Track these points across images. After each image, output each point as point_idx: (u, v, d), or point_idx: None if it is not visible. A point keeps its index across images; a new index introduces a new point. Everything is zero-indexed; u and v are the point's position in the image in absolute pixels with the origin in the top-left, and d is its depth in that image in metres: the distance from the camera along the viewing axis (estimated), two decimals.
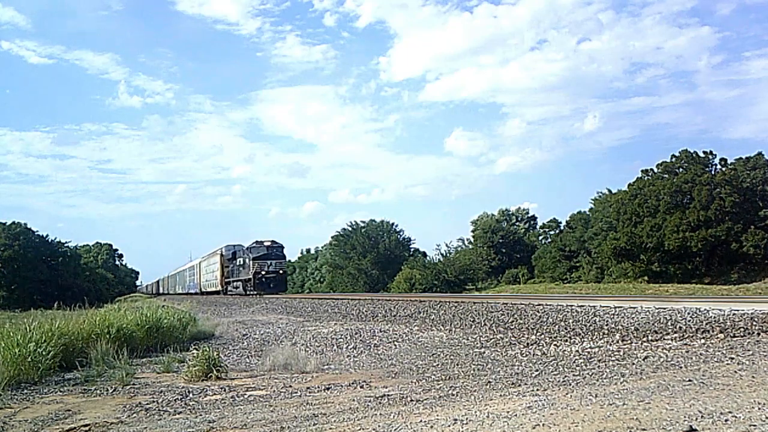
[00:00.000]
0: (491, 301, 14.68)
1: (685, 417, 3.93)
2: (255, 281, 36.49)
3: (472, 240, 66.05)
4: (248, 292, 37.65)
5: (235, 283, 41.45)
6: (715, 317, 8.78)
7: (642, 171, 49.63)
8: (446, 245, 62.68)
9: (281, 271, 38.13)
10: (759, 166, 44.03)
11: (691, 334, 8.14)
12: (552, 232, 62.59)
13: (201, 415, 5.84)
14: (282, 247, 39.17)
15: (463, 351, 9.17)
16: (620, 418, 4.04)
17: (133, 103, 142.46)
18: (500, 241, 62.06)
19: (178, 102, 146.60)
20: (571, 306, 11.84)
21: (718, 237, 40.71)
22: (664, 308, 10.05)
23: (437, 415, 4.73)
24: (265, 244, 37.81)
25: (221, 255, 46.23)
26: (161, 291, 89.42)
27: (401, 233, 64.97)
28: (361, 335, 11.86)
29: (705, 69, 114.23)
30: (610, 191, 54.59)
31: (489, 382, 6.40)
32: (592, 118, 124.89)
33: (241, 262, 39.76)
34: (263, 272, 36.55)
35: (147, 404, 6.58)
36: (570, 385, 5.71)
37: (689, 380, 5.19)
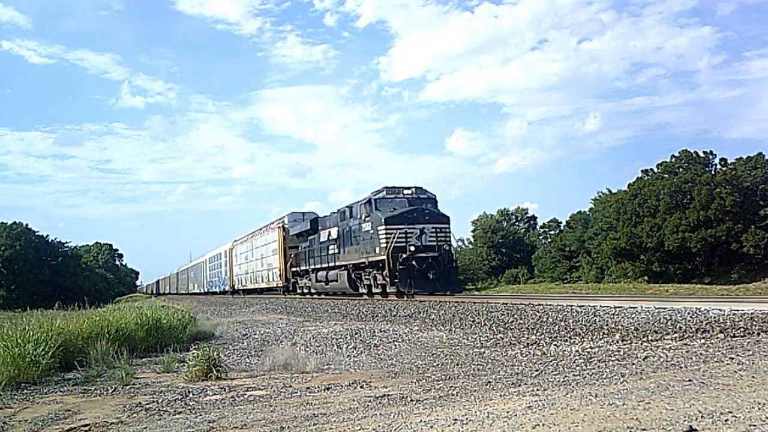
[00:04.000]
0: (491, 301, 14.68)
1: (685, 417, 3.93)
2: (397, 267, 18.12)
3: (472, 240, 66.11)
4: (370, 292, 20.76)
5: (323, 274, 24.35)
6: (715, 317, 8.78)
7: (642, 171, 49.73)
8: None
9: (447, 249, 19.08)
10: (759, 166, 44.04)
11: (691, 334, 8.14)
12: (552, 232, 62.63)
13: (201, 415, 5.84)
14: (436, 200, 20.37)
15: (463, 351, 9.17)
16: (620, 418, 4.04)
17: (135, 103, 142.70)
18: (500, 241, 62.10)
19: (179, 102, 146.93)
20: (571, 306, 11.83)
21: (718, 237, 40.72)
22: (664, 308, 10.04)
23: (437, 415, 4.73)
24: (405, 192, 19.79)
25: (282, 229, 30.47)
26: (168, 290, 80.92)
27: None
28: (361, 335, 11.86)
29: (706, 69, 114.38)
30: (610, 191, 54.67)
31: (489, 382, 6.40)
32: (592, 118, 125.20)
33: (342, 234, 22.38)
34: (414, 249, 18.31)
35: (147, 404, 6.58)
36: (570, 385, 5.71)
37: (689, 380, 5.19)
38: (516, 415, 4.42)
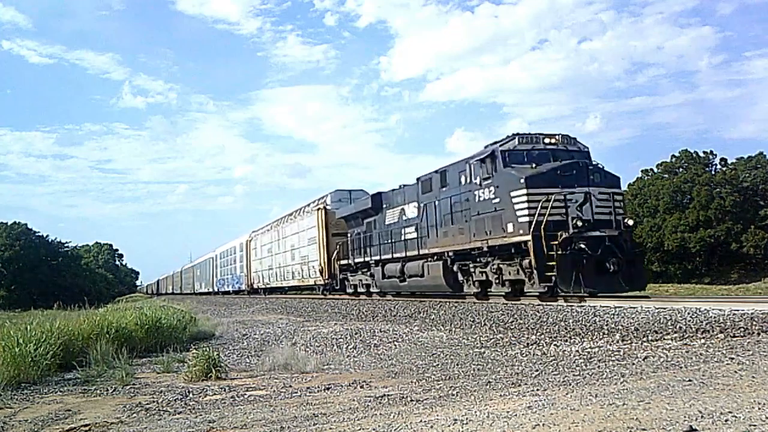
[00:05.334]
0: (491, 301, 14.68)
1: (685, 417, 3.93)
2: (549, 254, 12.08)
3: None
4: (483, 291, 15.08)
5: (394, 268, 18.42)
6: (715, 317, 8.77)
7: (642, 171, 49.75)
8: None
9: (629, 225, 13.33)
10: (759, 166, 44.05)
11: (691, 334, 8.13)
12: None
13: (201, 415, 5.84)
14: (590, 156, 14.14)
15: (463, 351, 9.17)
16: (620, 418, 4.04)
17: (136, 103, 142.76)
18: None
19: (180, 102, 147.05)
20: (571, 306, 11.83)
21: (718, 237, 40.74)
22: (664, 308, 10.04)
23: (437, 415, 4.73)
24: (546, 142, 13.73)
25: (324, 212, 24.20)
26: (171, 290, 77.69)
27: None
28: (361, 335, 11.86)
29: (706, 69, 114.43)
30: None
31: (489, 382, 6.40)
32: (592, 118, 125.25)
33: (429, 211, 16.42)
34: (582, 225, 12.39)
35: (147, 404, 6.58)
36: (570, 385, 5.71)
37: (689, 380, 5.19)
38: (516, 415, 4.42)
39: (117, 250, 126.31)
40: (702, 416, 3.93)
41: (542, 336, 9.73)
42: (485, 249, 14.04)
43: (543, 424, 4.04)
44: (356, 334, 12.06)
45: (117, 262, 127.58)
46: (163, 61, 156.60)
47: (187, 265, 68.57)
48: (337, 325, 14.30)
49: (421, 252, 17.00)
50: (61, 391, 7.86)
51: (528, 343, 9.26)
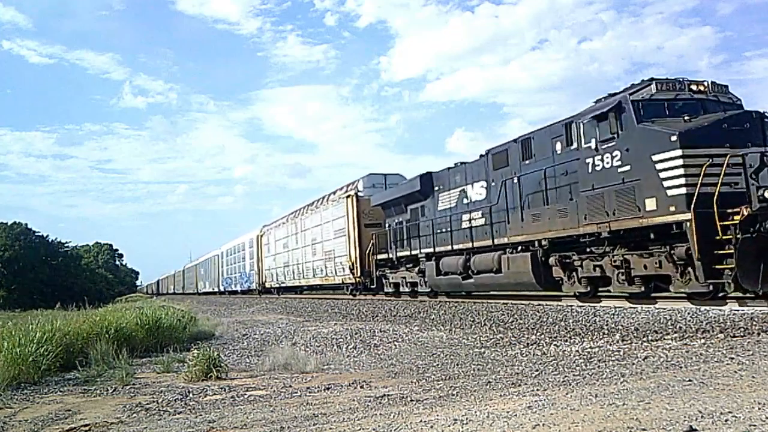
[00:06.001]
0: (491, 301, 14.68)
1: (685, 417, 3.93)
2: (721, 239, 8.90)
3: None
4: (593, 291, 12.17)
5: (455, 262, 15.61)
6: (715, 317, 8.78)
7: None
8: None
9: None
10: None
11: (691, 334, 8.14)
12: None
13: (201, 415, 5.84)
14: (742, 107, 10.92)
15: (463, 351, 9.17)
16: (620, 418, 4.05)
17: (137, 103, 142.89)
18: None
19: (180, 102, 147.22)
20: (571, 306, 11.84)
21: None
22: (664, 308, 10.05)
23: (437, 415, 4.73)
24: (694, 89, 10.56)
25: (356, 199, 21.48)
26: (173, 290, 76.84)
27: None
28: (361, 335, 11.87)
29: (706, 69, 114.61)
30: None
31: (489, 382, 6.40)
32: None
33: (505, 190, 13.70)
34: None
35: (147, 404, 6.59)
36: (570, 385, 5.71)
37: (689, 380, 5.19)
38: (516, 415, 4.42)
39: (117, 250, 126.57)
40: (702, 416, 3.93)
41: (542, 336, 9.74)
42: (605, 235, 10.97)
43: (543, 424, 4.04)
44: (356, 334, 12.06)
45: (117, 262, 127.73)
46: (163, 61, 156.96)
47: (189, 264, 66.29)
48: (337, 325, 14.31)
49: (497, 242, 13.94)
50: (61, 391, 7.86)
51: (528, 343, 9.26)
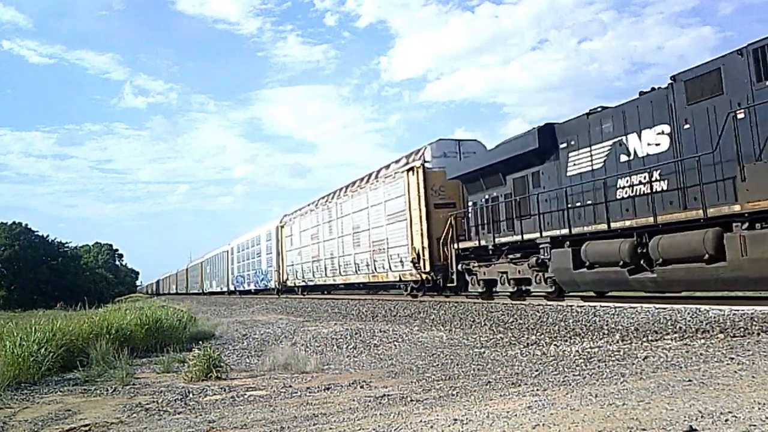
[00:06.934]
0: (491, 301, 14.68)
1: (685, 417, 3.93)
2: None
3: None
4: None
5: (617, 250, 10.63)
6: (715, 317, 8.78)
7: None
8: None
9: None
10: None
11: (691, 334, 8.14)
12: None
13: (201, 415, 5.84)
14: None
15: (463, 351, 9.17)
16: (620, 418, 4.05)
17: (137, 103, 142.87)
18: None
19: (180, 102, 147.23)
20: (571, 306, 11.84)
21: None
22: (664, 308, 10.05)
23: (437, 415, 4.73)
24: None
25: (423, 171, 16.62)
26: (175, 290, 74.27)
27: None
28: (361, 335, 11.87)
29: None
30: None
31: (489, 382, 6.40)
32: None
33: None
34: None
35: (147, 404, 6.59)
36: (570, 385, 5.71)
37: (689, 380, 5.19)
38: (516, 415, 4.42)
39: (117, 250, 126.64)
40: (702, 416, 3.93)
41: (542, 336, 9.74)
42: None
43: (543, 424, 4.04)
44: (356, 334, 12.07)
45: (117, 262, 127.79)
46: (163, 61, 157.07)
47: (193, 262, 61.32)
48: (337, 325, 14.30)
49: (709, 213, 9.04)
50: (61, 391, 7.86)
51: (528, 343, 9.27)
